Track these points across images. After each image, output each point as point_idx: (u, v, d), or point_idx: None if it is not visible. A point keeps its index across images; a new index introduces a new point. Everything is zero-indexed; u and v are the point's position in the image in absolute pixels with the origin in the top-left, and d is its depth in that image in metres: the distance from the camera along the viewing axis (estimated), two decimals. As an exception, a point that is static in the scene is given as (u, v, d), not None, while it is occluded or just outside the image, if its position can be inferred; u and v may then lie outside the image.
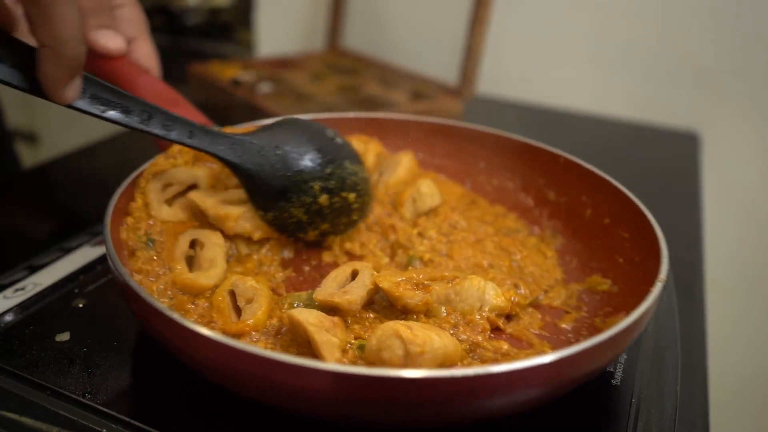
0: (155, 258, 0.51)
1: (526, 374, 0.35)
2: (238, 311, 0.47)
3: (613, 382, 0.47)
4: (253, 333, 0.45)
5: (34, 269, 0.56)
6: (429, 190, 0.63)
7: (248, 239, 0.55)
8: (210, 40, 1.59)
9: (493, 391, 0.36)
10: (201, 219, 0.55)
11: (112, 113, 0.47)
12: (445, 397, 0.35)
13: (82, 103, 0.46)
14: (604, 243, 0.57)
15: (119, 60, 0.64)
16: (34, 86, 0.43)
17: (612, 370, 0.48)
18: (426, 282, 0.48)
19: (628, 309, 0.44)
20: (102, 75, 0.65)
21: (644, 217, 0.53)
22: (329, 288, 0.48)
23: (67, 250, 0.59)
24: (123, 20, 0.65)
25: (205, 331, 0.37)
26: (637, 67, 1.10)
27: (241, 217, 0.54)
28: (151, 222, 0.53)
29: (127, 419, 0.41)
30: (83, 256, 0.58)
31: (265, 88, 1.00)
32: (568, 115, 1.10)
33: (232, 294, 0.48)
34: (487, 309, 0.48)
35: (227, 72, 1.04)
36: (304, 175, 0.53)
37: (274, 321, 0.47)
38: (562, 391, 0.40)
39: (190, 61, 1.07)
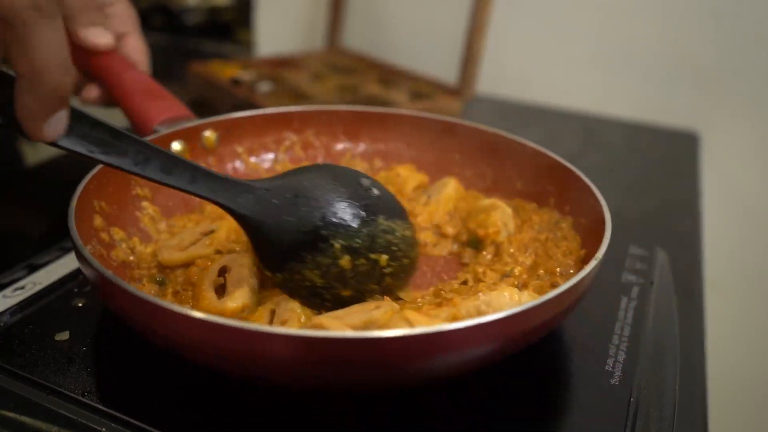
0: (170, 297, 0.50)
1: (476, 331, 0.37)
2: None
3: (612, 381, 0.47)
4: None
5: (33, 268, 0.56)
6: (510, 211, 0.60)
7: None
8: (210, 39, 1.59)
9: (448, 348, 0.37)
10: (227, 250, 0.54)
11: (102, 155, 0.41)
12: (400, 356, 0.36)
13: (66, 142, 0.39)
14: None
15: (108, 55, 0.66)
16: (13, 122, 0.37)
17: (611, 369, 0.48)
18: (449, 295, 0.45)
19: None
20: (90, 71, 0.66)
21: (597, 200, 0.53)
22: (333, 313, 0.45)
23: (67, 249, 0.59)
24: (113, 17, 0.68)
25: (158, 301, 0.38)
26: (636, 67, 1.10)
27: None
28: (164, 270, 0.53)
29: (126, 418, 0.41)
30: (83, 255, 0.58)
31: (264, 87, 1.00)
32: (568, 115, 1.10)
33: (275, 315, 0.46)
34: None
35: (227, 71, 1.04)
36: (321, 230, 0.45)
37: None
38: (509, 349, 0.42)
39: (190, 60, 1.07)
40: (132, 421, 0.41)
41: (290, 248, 0.45)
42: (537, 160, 0.63)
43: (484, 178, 0.68)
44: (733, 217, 1.09)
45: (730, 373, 1.00)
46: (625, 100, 1.11)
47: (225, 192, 0.45)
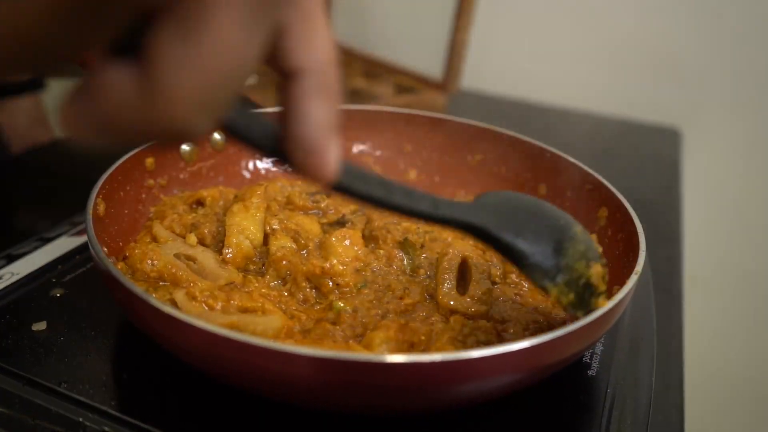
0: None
1: (502, 359, 0.36)
2: None
3: (589, 372, 0.48)
4: None
5: (12, 258, 0.56)
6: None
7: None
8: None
9: (471, 376, 0.36)
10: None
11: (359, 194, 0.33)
12: (421, 382, 0.36)
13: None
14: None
15: None
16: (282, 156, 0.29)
17: (588, 361, 0.49)
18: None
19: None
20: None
21: (625, 210, 0.53)
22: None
23: (46, 240, 0.59)
24: None
25: (184, 317, 0.37)
26: (620, 64, 1.10)
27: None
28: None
29: (103, 408, 0.41)
30: (62, 245, 0.58)
31: (250, 79, 0.99)
32: (551, 111, 1.11)
33: None
34: None
35: (211, 63, 1.03)
36: (558, 217, 0.43)
37: None
38: (537, 377, 0.41)
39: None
40: (109, 411, 0.41)
41: (553, 244, 0.42)
42: (556, 165, 0.62)
43: (498, 182, 0.66)
44: (714, 213, 1.11)
45: (708, 365, 1.01)
46: (607, 96, 1.12)
47: (464, 212, 0.40)
